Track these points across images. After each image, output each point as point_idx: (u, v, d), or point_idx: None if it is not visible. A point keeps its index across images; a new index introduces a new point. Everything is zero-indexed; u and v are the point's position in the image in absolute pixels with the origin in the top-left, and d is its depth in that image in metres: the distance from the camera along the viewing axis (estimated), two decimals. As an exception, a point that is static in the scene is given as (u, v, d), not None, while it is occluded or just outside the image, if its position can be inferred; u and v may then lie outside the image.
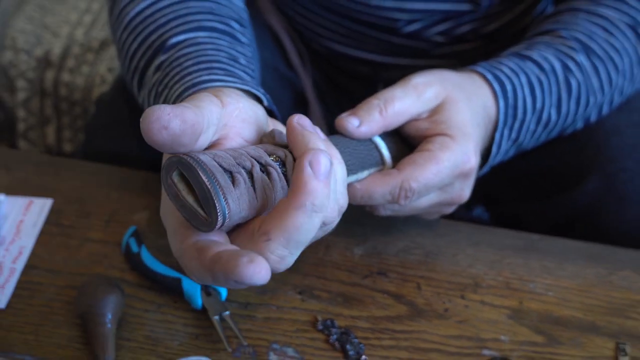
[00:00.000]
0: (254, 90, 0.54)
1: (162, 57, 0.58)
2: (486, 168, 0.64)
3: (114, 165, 0.70)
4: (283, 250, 0.43)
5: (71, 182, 0.67)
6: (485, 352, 0.57)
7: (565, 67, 0.65)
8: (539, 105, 0.64)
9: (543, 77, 0.64)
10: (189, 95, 0.52)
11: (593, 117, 0.71)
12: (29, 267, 0.60)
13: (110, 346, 0.53)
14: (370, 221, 0.65)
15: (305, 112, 0.89)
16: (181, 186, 0.43)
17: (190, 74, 0.54)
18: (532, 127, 0.65)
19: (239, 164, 0.43)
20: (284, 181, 0.45)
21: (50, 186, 0.67)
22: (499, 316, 0.59)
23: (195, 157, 0.42)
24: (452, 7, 0.78)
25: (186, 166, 0.42)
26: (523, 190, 0.78)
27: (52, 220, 0.64)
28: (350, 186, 0.54)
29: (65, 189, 0.67)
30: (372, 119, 0.56)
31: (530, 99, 0.64)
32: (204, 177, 0.41)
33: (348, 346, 0.55)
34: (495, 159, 0.64)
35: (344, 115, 0.56)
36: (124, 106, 0.77)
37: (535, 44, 0.67)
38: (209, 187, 0.41)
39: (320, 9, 0.83)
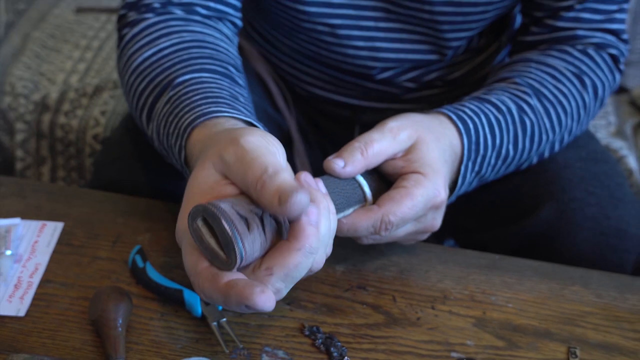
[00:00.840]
0: (256, 123, 0.62)
1: (170, 93, 0.66)
2: (453, 197, 0.72)
3: (120, 194, 0.77)
4: (281, 284, 0.50)
5: (80, 208, 0.74)
6: (454, 354, 0.64)
7: (520, 109, 0.75)
8: (497, 141, 0.73)
9: (501, 117, 0.74)
10: (201, 122, 0.60)
11: (546, 154, 0.81)
12: (44, 281, 0.66)
13: (121, 347, 0.59)
14: (350, 243, 0.72)
15: (290, 150, 0.98)
16: (204, 230, 0.50)
17: (199, 105, 0.62)
18: (492, 161, 0.74)
19: (251, 211, 0.50)
20: (287, 223, 0.52)
21: (61, 211, 0.74)
22: (465, 324, 0.67)
23: (217, 206, 0.49)
24: (420, 57, 0.88)
25: (211, 214, 0.49)
26: (487, 220, 0.87)
27: (64, 241, 0.70)
28: (337, 221, 0.62)
29: (75, 214, 0.74)
30: (355, 160, 0.64)
31: (490, 136, 0.73)
32: (225, 225, 0.48)
33: (332, 349, 0.62)
34: (460, 189, 0.72)
35: (330, 157, 0.64)
36: (129, 143, 0.85)
37: (494, 89, 0.76)
38: (230, 234, 0.48)
39: (302, 57, 0.92)
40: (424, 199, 0.64)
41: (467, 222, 0.90)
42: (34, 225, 0.71)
